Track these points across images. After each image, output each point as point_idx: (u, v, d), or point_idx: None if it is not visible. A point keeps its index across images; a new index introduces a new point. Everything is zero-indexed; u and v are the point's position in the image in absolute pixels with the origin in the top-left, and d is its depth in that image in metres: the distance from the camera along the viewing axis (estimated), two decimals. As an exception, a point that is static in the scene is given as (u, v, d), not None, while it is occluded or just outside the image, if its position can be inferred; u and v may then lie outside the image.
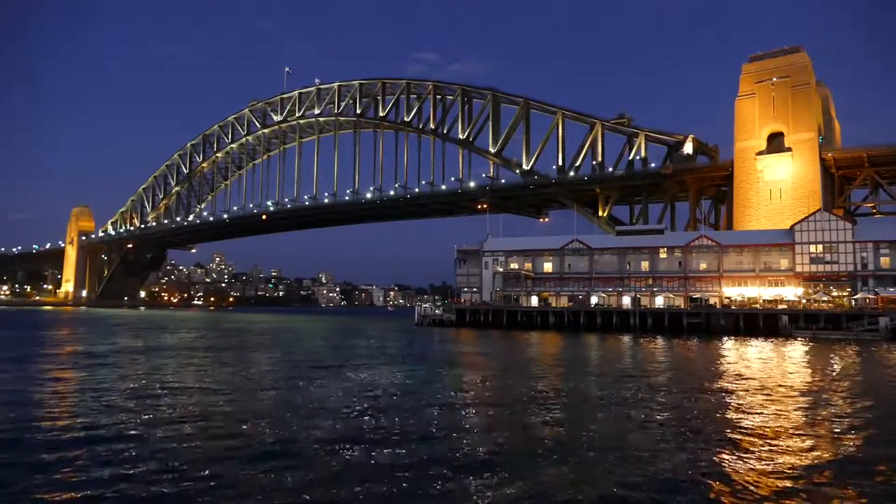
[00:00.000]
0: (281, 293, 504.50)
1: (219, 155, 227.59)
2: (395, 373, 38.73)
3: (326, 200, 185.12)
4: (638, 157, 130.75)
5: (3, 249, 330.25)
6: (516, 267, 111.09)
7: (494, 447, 19.20)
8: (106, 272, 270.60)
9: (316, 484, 15.23)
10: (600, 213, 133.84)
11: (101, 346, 58.16)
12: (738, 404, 27.63)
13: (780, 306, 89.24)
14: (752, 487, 15.19)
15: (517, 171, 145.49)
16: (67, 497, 14.20)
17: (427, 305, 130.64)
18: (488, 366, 44.04)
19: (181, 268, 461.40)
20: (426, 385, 33.21)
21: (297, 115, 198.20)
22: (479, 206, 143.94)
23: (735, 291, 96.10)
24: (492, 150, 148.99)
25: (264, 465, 16.79)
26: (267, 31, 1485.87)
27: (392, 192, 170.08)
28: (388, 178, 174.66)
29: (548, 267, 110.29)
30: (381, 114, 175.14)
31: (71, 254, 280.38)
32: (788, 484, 15.55)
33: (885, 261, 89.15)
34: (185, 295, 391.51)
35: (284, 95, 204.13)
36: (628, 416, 24.45)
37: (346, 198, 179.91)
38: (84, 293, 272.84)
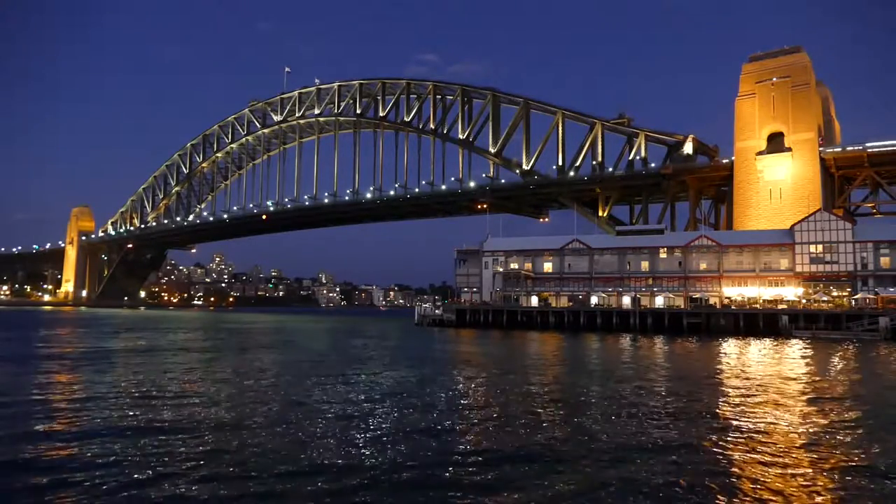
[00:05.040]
0: (281, 293, 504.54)
1: (219, 155, 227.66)
2: (395, 373, 38.72)
3: (326, 200, 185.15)
4: (638, 157, 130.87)
5: (3, 249, 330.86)
6: (516, 267, 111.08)
7: (494, 449, 19.19)
8: (106, 272, 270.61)
9: (315, 485, 15.22)
10: (600, 213, 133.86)
11: (100, 346, 58.14)
12: (738, 405, 27.61)
13: (780, 306, 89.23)
14: (751, 488, 15.18)
15: (517, 171, 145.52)
16: (64, 497, 14.20)
17: (427, 305, 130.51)
18: (488, 366, 43.99)
19: (181, 268, 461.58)
20: (426, 386, 33.20)
21: (297, 115, 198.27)
22: (479, 206, 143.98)
23: (735, 291, 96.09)
24: (492, 150, 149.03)
25: (262, 466, 16.78)
26: (267, 32, 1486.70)
27: (392, 192, 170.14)
28: (388, 178, 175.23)
29: (548, 267, 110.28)
30: (381, 114, 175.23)
31: (71, 254, 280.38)
32: (788, 484, 15.55)
33: (885, 261, 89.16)
34: (185, 295, 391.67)
35: (284, 95, 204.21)
36: (628, 417, 24.42)
37: (346, 198, 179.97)
38: (84, 293, 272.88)
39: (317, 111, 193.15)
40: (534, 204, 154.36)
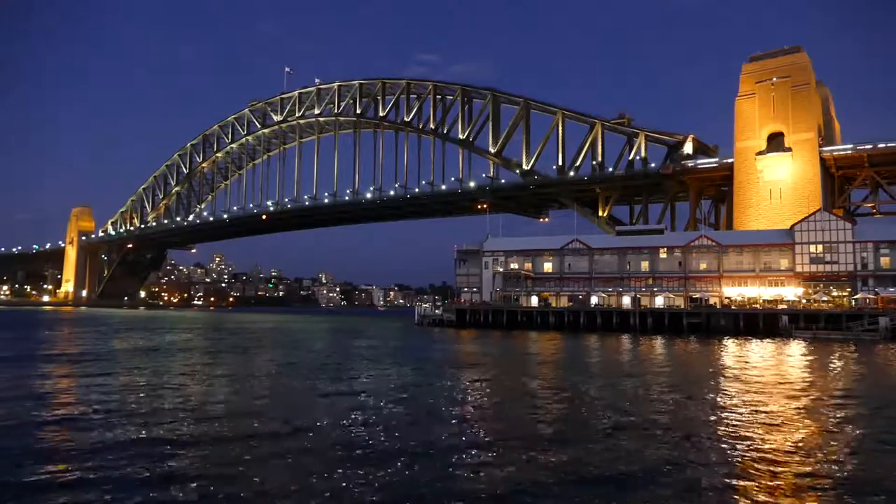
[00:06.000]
0: (281, 293, 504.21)
1: (219, 155, 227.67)
2: (395, 374, 38.70)
3: (326, 200, 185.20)
4: (638, 157, 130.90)
5: (3, 249, 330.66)
6: (516, 267, 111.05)
7: (494, 453, 19.19)
8: (106, 272, 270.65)
9: (316, 488, 15.22)
10: (600, 213, 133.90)
11: (100, 346, 58.12)
12: (738, 406, 27.59)
13: (780, 306, 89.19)
14: (751, 489, 15.18)
15: (517, 171, 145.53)
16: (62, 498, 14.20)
17: (427, 306, 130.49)
18: (489, 367, 43.99)
19: (181, 268, 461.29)
20: (427, 388, 33.21)
21: (297, 115, 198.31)
22: (479, 206, 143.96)
23: (735, 291, 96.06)
24: (492, 150, 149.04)
25: (260, 468, 16.77)
26: (268, 33, 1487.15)
27: (392, 192, 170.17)
28: (388, 178, 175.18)
29: (548, 267, 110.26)
30: (381, 114, 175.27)
31: (71, 254, 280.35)
32: (787, 485, 15.55)
33: (885, 261, 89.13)
34: (185, 295, 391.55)
35: (284, 95, 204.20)
36: (627, 419, 24.42)
37: (346, 198, 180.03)
38: (84, 293, 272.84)
39: (317, 111, 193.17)
40: (534, 204, 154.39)
